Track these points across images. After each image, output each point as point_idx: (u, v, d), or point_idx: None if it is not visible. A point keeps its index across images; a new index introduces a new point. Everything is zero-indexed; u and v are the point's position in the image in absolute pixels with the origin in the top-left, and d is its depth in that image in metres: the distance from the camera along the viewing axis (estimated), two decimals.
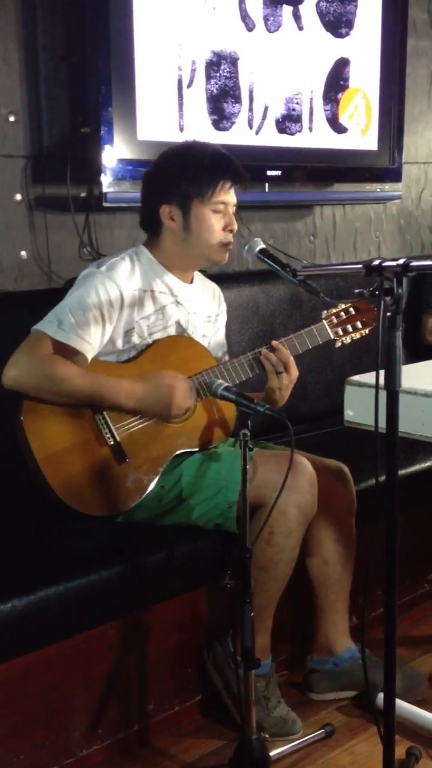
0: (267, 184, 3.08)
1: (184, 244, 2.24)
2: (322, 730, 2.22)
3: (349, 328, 2.32)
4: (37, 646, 1.96)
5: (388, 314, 1.57)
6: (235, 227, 2.24)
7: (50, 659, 2.01)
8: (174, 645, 2.25)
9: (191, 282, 2.35)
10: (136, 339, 2.20)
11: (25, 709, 1.99)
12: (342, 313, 2.31)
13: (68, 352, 2.10)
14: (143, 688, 2.21)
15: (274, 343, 2.25)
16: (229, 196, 2.22)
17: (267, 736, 2.18)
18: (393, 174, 3.50)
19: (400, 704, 2.22)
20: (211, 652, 2.28)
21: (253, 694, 1.91)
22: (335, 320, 2.31)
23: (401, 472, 2.67)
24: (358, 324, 2.32)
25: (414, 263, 1.56)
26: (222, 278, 2.55)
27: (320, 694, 2.39)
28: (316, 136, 3.19)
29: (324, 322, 2.31)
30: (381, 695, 1.75)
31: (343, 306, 2.32)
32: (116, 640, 2.13)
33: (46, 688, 2.02)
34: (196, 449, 2.25)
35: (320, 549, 2.34)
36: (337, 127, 3.26)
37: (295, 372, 2.26)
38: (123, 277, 2.18)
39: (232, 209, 2.24)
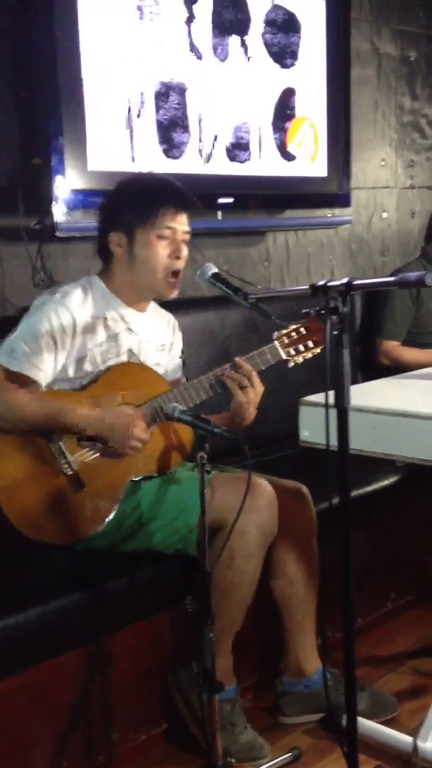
0: (219, 212, 3.12)
1: (131, 273, 2.24)
2: (290, 754, 2.21)
3: (301, 347, 2.32)
4: None
5: (335, 333, 1.59)
6: (183, 254, 2.24)
7: (12, 690, 1.98)
8: (138, 672, 2.24)
9: (144, 311, 2.36)
10: (88, 367, 2.19)
11: None
12: (293, 333, 2.32)
13: (22, 381, 2.10)
14: (108, 718, 2.18)
15: (237, 359, 2.25)
16: (175, 223, 2.21)
17: (234, 761, 2.16)
18: (342, 199, 3.57)
19: (365, 723, 2.23)
20: (176, 677, 2.26)
21: (217, 718, 1.90)
22: (286, 340, 2.32)
23: (360, 491, 2.71)
24: (310, 343, 2.32)
25: (357, 282, 1.59)
26: (177, 304, 2.55)
27: (290, 717, 2.39)
28: (265, 164, 3.24)
29: (275, 342, 2.32)
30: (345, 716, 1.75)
31: (294, 326, 2.33)
32: (79, 669, 2.11)
33: (8, 720, 1.99)
34: (155, 474, 2.25)
35: (284, 570, 2.34)
36: (286, 155, 3.31)
37: (260, 386, 2.26)
38: (76, 303, 2.19)
39: (181, 236, 2.23)
